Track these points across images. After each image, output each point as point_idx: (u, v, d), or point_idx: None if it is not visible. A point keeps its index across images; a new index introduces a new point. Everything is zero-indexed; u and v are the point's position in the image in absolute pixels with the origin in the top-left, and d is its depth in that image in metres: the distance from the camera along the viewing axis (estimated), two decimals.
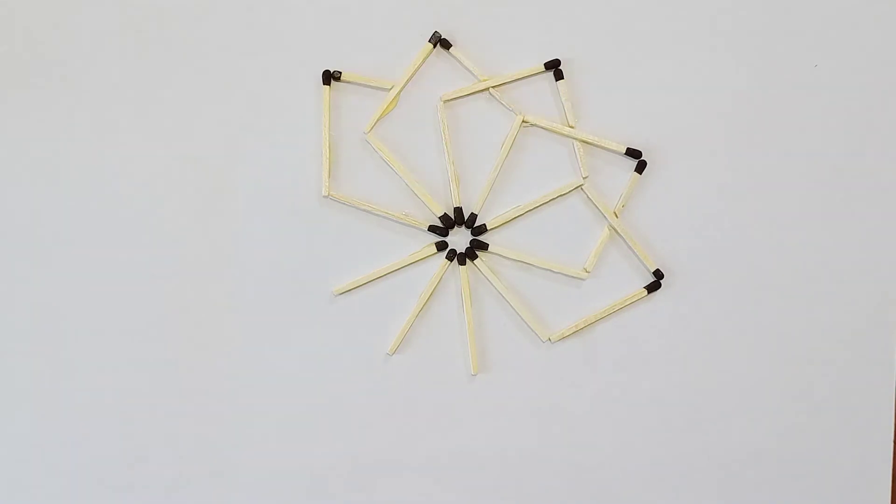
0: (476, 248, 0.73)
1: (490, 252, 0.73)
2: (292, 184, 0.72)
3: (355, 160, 0.73)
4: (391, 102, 0.73)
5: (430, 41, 0.73)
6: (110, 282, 0.72)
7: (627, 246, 0.73)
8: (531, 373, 0.73)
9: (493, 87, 0.73)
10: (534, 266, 0.73)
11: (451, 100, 0.73)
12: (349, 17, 0.73)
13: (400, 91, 0.73)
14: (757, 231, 0.74)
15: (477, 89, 0.73)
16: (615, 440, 0.74)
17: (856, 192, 0.74)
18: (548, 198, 0.73)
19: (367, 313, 0.73)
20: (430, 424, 0.73)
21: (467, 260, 0.73)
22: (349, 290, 0.72)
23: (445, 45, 0.73)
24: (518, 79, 0.73)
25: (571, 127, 0.73)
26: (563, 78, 0.73)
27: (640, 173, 0.73)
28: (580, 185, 0.73)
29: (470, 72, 0.73)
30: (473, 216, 0.73)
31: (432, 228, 0.73)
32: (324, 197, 0.72)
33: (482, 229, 0.73)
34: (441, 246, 0.73)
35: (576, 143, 0.73)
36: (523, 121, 0.73)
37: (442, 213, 0.73)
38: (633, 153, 0.73)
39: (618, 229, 0.73)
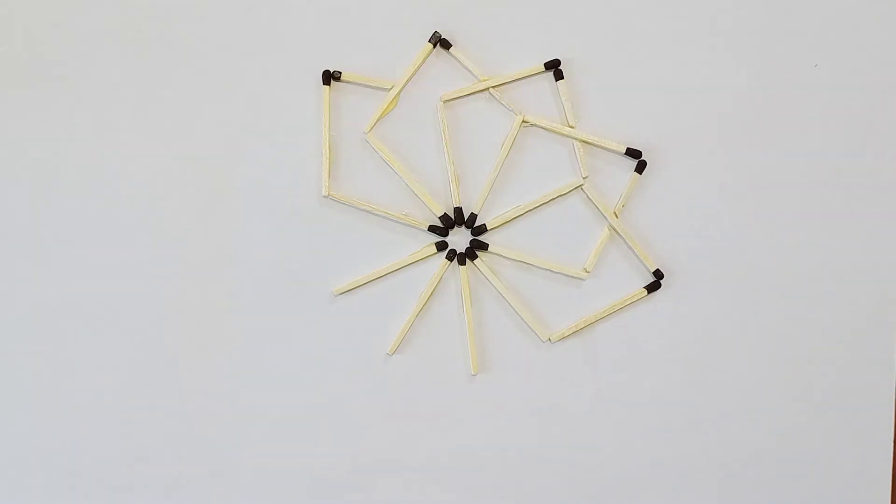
0: (476, 248, 0.73)
1: (490, 252, 0.73)
2: (292, 184, 0.72)
3: (355, 160, 0.73)
4: (391, 102, 0.73)
5: (430, 41, 0.73)
6: (110, 282, 0.72)
7: (627, 246, 0.73)
8: (531, 373, 0.73)
9: (493, 87, 0.73)
10: (534, 266, 0.73)
11: (451, 100, 0.73)
12: (349, 17, 0.73)
13: (400, 91, 0.73)
14: (757, 231, 0.74)
15: (477, 89, 0.73)
16: (615, 440, 0.74)
17: (856, 192, 0.74)
18: (548, 198, 0.73)
19: (367, 313, 0.73)
20: (430, 424, 0.73)
21: (467, 260, 0.73)
22: (349, 290, 0.72)
23: (445, 45, 0.73)
24: (518, 79, 0.73)
25: (571, 127, 0.73)
26: (563, 78, 0.73)
27: (640, 173, 0.73)
28: (580, 185, 0.73)
29: (470, 72, 0.73)
30: (473, 216, 0.73)
31: (432, 228, 0.73)
32: (324, 197, 0.72)
33: (482, 229, 0.73)
34: (441, 246, 0.73)
35: (576, 143, 0.73)
36: (523, 121, 0.73)
37: (442, 213, 0.73)
38: (633, 153, 0.73)
39: (618, 229, 0.73)
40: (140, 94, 0.72)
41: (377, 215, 0.73)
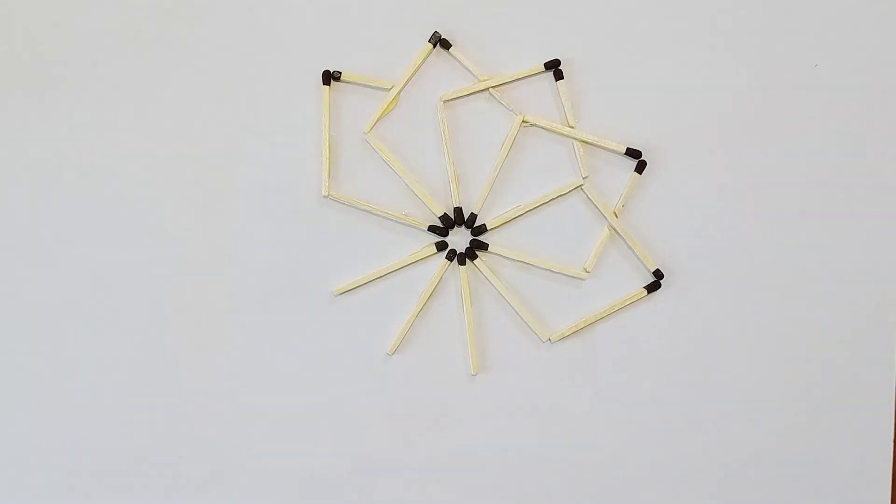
0: (476, 248, 0.73)
1: (490, 252, 0.73)
2: (292, 184, 0.72)
3: (355, 160, 0.73)
4: (391, 102, 0.73)
5: (430, 41, 0.73)
6: (110, 282, 0.72)
7: (627, 246, 0.73)
8: (531, 373, 0.73)
9: (493, 87, 0.73)
10: (534, 266, 0.73)
11: (451, 100, 0.73)
12: (349, 17, 0.73)
13: (400, 91, 0.73)
14: (757, 231, 0.74)
15: (477, 89, 0.73)
16: (615, 440, 0.74)
17: (856, 192, 0.74)
18: (548, 198, 0.73)
19: (367, 313, 0.73)
20: (430, 424, 0.73)
21: (467, 260, 0.73)
22: (349, 290, 0.72)
23: (445, 45, 0.73)
24: (518, 79, 0.73)
25: (571, 127, 0.73)
26: (563, 78, 0.73)
27: (640, 173, 0.73)
28: (580, 185, 0.73)
29: (470, 72, 0.73)
30: (473, 216, 0.73)
31: (432, 228, 0.73)
32: (324, 197, 0.72)
33: (482, 229, 0.73)
34: (441, 246, 0.73)
35: (576, 143, 0.73)
36: (523, 121, 0.73)
37: (442, 213, 0.73)
38: (633, 153, 0.73)
39: (618, 229, 0.73)
40: (140, 94, 0.72)
41: (377, 215, 0.73)
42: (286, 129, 0.72)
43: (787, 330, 0.74)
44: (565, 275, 0.73)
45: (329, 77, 0.72)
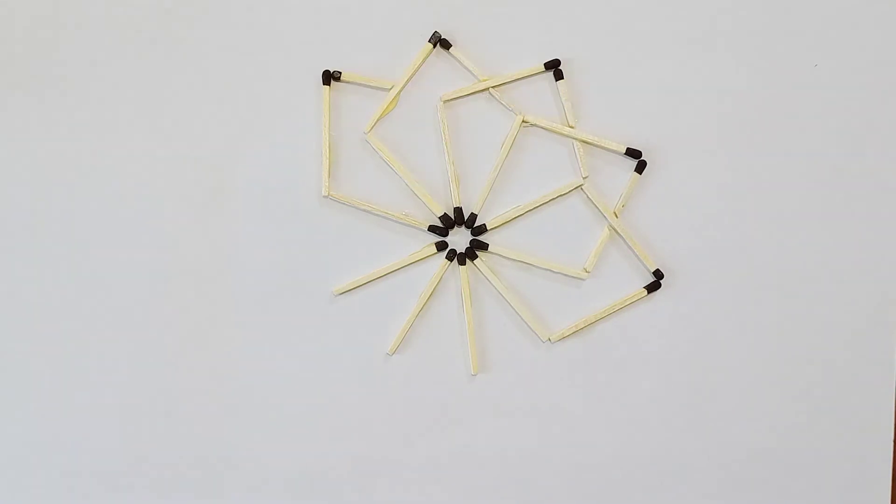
0: (476, 248, 0.73)
1: (490, 252, 0.73)
2: (292, 184, 0.72)
3: (355, 160, 0.73)
4: (391, 102, 0.73)
5: (430, 41, 0.73)
6: (110, 282, 0.72)
7: (627, 246, 0.73)
8: (531, 373, 0.73)
9: (493, 87, 0.73)
10: (534, 266, 0.73)
11: (451, 100, 0.73)
12: (349, 17, 0.73)
13: (400, 91, 0.73)
14: (757, 231, 0.74)
15: (477, 89, 0.73)
16: (615, 440, 0.74)
17: (856, 192, 0.74)
18: (548, 198, 0.73)
19: (367, 313, 0.73)
20: (430, 424, 0.73)
21: (467, 260, 0.73)
22: (349, 290, 0.72)
23: (445, 45, 0.73)
24: (518, 79, 0.73)
25: (571, 127, 0.73)
26: (563, 78, 0.73)
27: (640, 173, 0.73)
28: (580, 185, 0.73)
29: (470, 72, 0.73)
30: (473, 216, 0.73)
31: (432, 228, 0.73)
32: (324, 197, 0.72)
33: (482, 229, 0.73)
34: (441, 246, 0.73)
35: (576, 143, 0.73)
36: (523, 121, 0.73)
37: (442, 213, 0.73)
38: (633, 153, 0.73)
39: (618, 229, 0.73)
40: (140, 94, 0.72)
41: (377, 215, 0.73)
42: (286, 129, 0.72)
43: (787, 330, 0.74)
44: (565, 275, 0.73)
45: (329, 77, 0.72)
